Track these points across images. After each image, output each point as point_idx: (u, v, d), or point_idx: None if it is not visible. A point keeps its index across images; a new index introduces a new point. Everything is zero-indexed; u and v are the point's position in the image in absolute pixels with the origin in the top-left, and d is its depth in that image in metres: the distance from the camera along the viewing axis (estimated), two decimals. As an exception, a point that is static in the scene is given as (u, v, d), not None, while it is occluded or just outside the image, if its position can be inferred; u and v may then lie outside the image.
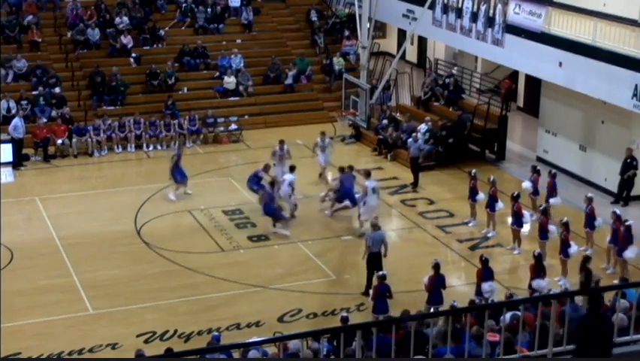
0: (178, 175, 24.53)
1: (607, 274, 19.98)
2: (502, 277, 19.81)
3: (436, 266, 17.86)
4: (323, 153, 25.74)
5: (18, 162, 27.06)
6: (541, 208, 20.91)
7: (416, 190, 25.55)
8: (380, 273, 17.72)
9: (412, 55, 37.75)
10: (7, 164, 27.01)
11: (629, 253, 19.69)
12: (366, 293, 19.05)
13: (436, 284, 17.76)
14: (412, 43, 36.25)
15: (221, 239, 22.29)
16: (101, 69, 30.71)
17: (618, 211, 20.43)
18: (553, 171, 23.34)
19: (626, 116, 23.84)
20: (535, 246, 20.38)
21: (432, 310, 17.59)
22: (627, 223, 19.69)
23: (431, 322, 12.01)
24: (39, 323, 18.30)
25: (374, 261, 19.20)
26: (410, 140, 26.22)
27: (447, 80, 30.15)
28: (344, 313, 16.61)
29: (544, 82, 27.16)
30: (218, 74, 32.23)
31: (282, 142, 24.99)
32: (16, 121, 27.33)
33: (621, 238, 19.71)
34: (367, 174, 23.07)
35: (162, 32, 33.16)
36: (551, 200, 22.49)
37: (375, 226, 19.57)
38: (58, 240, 22.06)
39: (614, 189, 24.40)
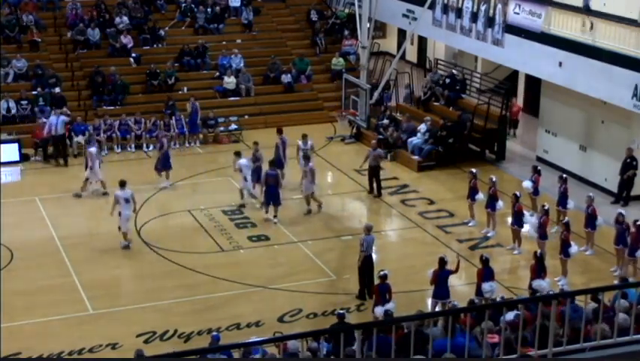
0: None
1: (615, 275, 19.92)
2: (502, 277, 19.82)
3: (441, 261, 17.92)
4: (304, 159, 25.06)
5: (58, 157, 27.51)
6: (545, 208, 20.82)
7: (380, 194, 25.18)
8: (381, 273, 17.72)
9: (412, 55, 37.75)
10: (7, 163, 27.12)
11: None
12: (361, 297, 19.12)
13: (440, 278, 17.81)
14: (412, 43, 36.26)
15: (221, 239, 22.29)
16: (101, 69, 30.73)
17: (623, 212, 20.40)
18: (564, 175, 23.16)
19: (626, 116, 23.83)
20: (535, 246, 20.37)
21: (438, 303, 17.80)
22: (639, 223, 19.63)
23: (431, 322, 12.02)
24: (39, 323, 18.30)
25: (368, 264, 19.21)
26: (370, 148, 25.61)
27: (447, 80, 30.16)
28: (340, 311, 16.56)
29: (544, 82, 27.15)
30: (218, 74, 32.24)
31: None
32: (52, 119, 27.44)
33: (633, 237, 19.65)
34: (237, 154, 24.50)
35: (162, 32, 33.17)
36: (570, 205, 22.35)
37: (370, 230, 19.55)
38: (58, 240, 22.07)
39: (614, 189, 24.39)
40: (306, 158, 24.00)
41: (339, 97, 31.44)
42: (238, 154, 24.52)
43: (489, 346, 11.59)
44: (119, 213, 21.46)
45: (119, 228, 21.55)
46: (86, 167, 24.98)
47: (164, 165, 25.47)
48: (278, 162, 24.31)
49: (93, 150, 24.99)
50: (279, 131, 25.87)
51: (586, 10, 24.36)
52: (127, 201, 21.56)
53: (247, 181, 23.97)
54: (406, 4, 31.69)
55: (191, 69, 32.31)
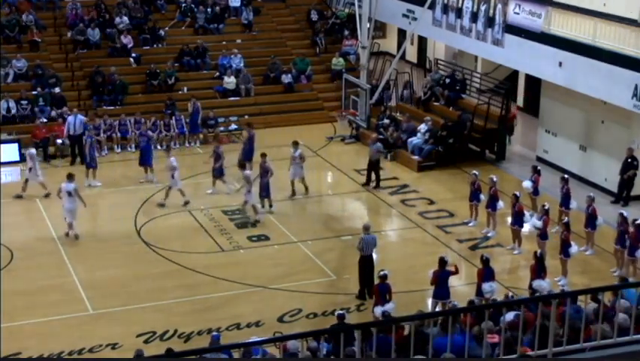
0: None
1: (615, 276, 19.89)
2: (502, 277, 19.81)
3: (441, 261, 17.93)
4: (295, 164, 24.77)
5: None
6: (545, 208, 20.81)
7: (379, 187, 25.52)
8: (381, 273, 17.70)
9: (412, 55, 37.72)
10: (7, 163, 27.15)
11: None
12: (361, 297, 19.11)
13: (440, 279, 17.82)
14: (412, 43, 36.25)
15: (221, 239, 22.30)
16: (101, 69, 30.73)
17: (625, 213, 20.39)
18: (566, 176, 23.10)
19: (626, 116, 23.83)
20: (535, 246, 20.37)
21: (438, 303, 17.80)
22: (638, 222, 19.62)
23: (431, 322, 12.03)
24: (39, 323, 18.30)
25: (367, 264, 19.21)
26: (370, 141, 25.95)
27: (447, 80, 30.16)
28: (339, 311, 16.56)
29: (544, 82, 27.15)
30: (218, 74, 32.25)
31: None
32: (70, 119, 27.52)
33: (633, 237, 19.65)
34: (167, 150, 25.19)
35: (162, 32, 33.18)
36: (572, 205, 22.31)
37: (368, 229, 19.55)
38: (58, 240, 22.07)
39: (614, 189, 24.39)
40: (241, 166, 23.79)
41: (339, 97, 31.45)
42: (168, 150, 25.21)
43: (489, 346, 11.59)
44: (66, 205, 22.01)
45: (65, 218, 21.96)
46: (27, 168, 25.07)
47: (146, 160, 25.91)
48: (244, 155, 24.84)
49: (33, 151, 25.12)
50: (249, 125, 26.30)
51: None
52: (69, 194, 21.86)
53: (174, 179, 23.97)
54: (406, 4, 31.68)
55: (191, 69, 32.31)
